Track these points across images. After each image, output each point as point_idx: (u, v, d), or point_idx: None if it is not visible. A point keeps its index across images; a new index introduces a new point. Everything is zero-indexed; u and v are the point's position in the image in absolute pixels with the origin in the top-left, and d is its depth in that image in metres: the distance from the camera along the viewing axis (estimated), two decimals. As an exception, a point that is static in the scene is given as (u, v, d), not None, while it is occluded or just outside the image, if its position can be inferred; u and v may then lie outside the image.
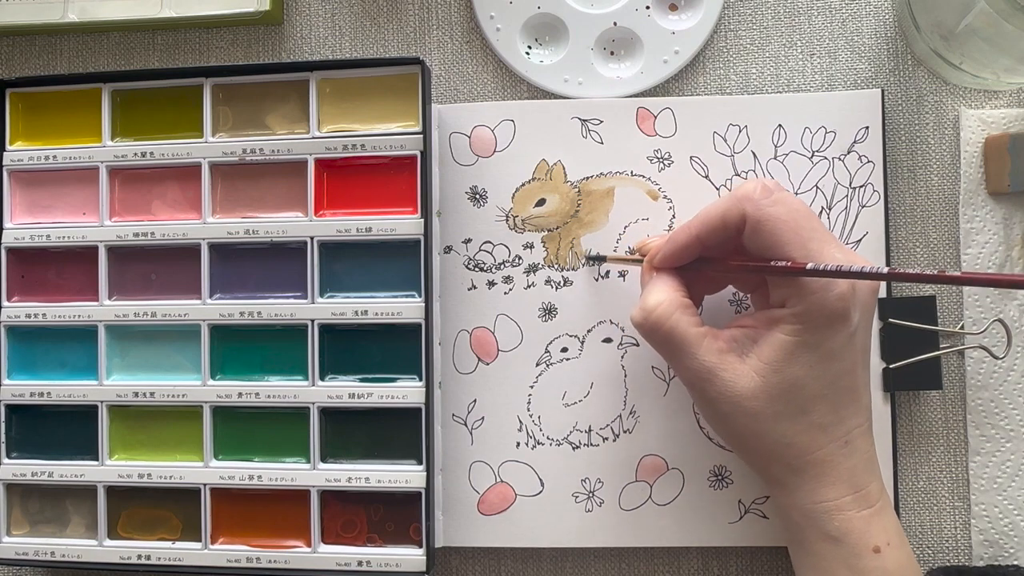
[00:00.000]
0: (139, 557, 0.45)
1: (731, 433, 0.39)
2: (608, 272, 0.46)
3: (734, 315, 0.45)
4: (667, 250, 0.40)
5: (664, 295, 0.39)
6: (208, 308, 0.45)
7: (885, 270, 0.35)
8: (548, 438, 0.46)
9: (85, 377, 0.47)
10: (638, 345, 0.46)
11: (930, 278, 0.35)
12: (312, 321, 0.45)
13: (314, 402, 0.45)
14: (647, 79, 0.47)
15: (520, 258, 0.46)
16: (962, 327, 0.45)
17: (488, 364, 0.46)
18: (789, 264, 0.37)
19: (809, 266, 0.36)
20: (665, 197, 0.46)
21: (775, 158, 0.45)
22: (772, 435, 0.38)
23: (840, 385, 0.38)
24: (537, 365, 0.46)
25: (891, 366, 0.44)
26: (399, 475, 0.44)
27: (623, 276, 0.46)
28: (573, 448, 0.46)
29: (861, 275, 0.36)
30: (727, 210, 0.38)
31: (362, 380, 0.45)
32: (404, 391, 0.44)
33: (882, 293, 0.44)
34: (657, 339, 0.39)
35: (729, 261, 0.40)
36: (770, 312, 0.38)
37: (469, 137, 0.47)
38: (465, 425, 0.46)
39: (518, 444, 0.46)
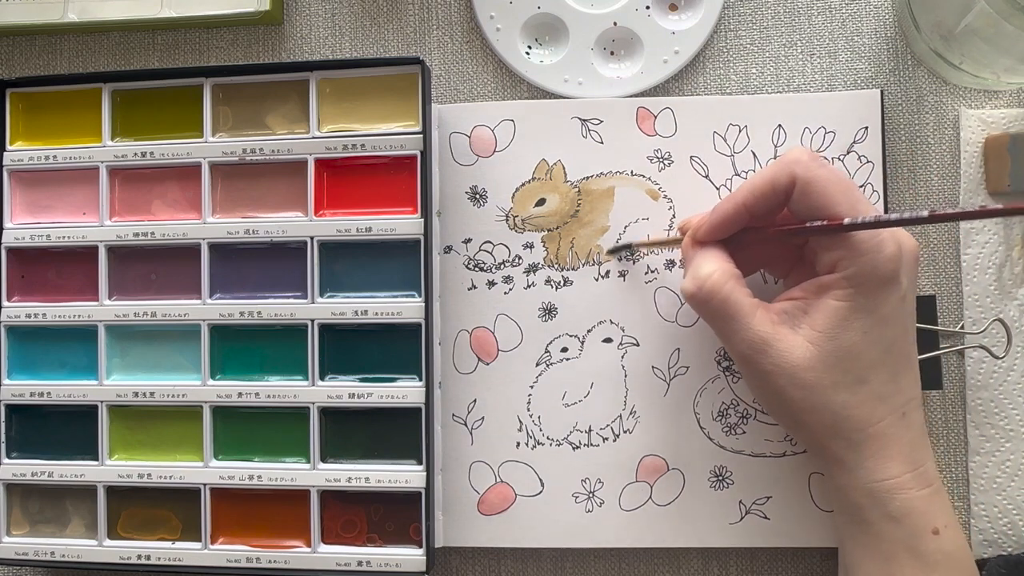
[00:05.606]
0: (139, 557, 0.45)
1: (787, 409, 0.38)
2: (608, 272, 0.46)
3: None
4: (712, 220, 0.39)
5: (716, 264, 0.39)
6: (208, 308, 0.45)
7: (925, 213, 0.35)
8: (548, 438, 0.46)
9: (85, 377, 0.47)
10: (638, 345, 0.45)
11: (972, 214, 0.35)
12: (312, 321, 0.45)
13: (314, 402, 0.45)
14: (647, 79, 0.47)
15: (520, 258, 0.46)
16: (962, 327, 0.45)
17: (488, 364, 0.46)
18: (828, 223, 0.37)
19: (847, 221, 0.36)
20: (665, 197, 0.46)
21: (775, 158, 0.45)
22: (830, 407, 0.37)
23: (895, 351, 0.37)
24: (537, 365, 0.46)
25: (891, 366, 0.44)
26: (399, 475, 0.44)
27: (623, 276, 0.46)
28: (573, 448, 0.46)
29: (903, 222, 0.35)
30: (776, 174, 0.38)
31: (362, 380, 0.45)
32: (404, 391, 0.44)
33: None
34: (710, 309, 0.38)
35: (769, 228, 0.39)
36: (819, 280, 0.38)
37: (469, 137, 0.47)
38: (465, 425, 0.46)
39: (518, 444, 0.46)
